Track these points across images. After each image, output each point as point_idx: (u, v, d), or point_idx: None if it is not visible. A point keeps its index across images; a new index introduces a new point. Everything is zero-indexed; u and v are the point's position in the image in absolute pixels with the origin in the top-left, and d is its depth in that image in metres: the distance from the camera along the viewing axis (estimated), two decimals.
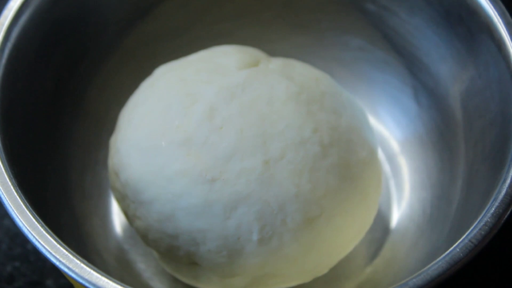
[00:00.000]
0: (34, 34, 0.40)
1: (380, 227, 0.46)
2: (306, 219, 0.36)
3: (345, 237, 0.39)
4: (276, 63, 0.41)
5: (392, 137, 0.49)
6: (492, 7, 0.39)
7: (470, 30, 0.40)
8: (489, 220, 0.33)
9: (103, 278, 0.31)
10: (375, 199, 0.41)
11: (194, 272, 0.40)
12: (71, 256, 0.32)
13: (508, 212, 0.33)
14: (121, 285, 0.31)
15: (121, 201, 0.40)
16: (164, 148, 0.37)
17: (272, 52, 0.44)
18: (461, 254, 0.32)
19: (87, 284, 0.31)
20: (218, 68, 0.40)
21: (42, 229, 0.33)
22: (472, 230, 0.33)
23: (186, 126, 0.37)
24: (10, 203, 0.33)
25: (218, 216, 0.36)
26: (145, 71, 0.43)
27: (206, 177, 0.36)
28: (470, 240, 0.32)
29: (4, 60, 0.38)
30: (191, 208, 0.36)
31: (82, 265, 0.31)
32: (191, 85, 0.39)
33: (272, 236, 0.36)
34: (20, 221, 0.33)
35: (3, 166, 0.35)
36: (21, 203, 0.33)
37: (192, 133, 0.37)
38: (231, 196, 0.36)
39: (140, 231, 0.39)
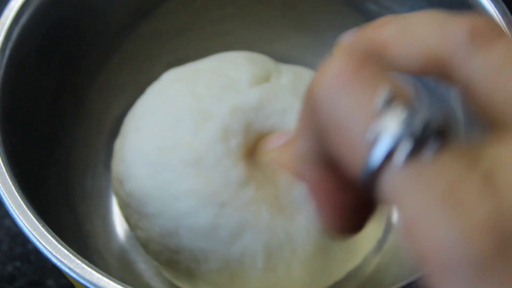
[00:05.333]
0: (35, 34, 0.40)
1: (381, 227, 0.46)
2: (318, 249, 0.36)
3: (357, 255, 0.39)
4: (287, 77, 0.40)
5: None
6: (493, 7, 0.39)
7: None
8: None
9: (104, 279, 0.31)
10: (383, 215, 0.40)
11: (193, 283, 0.39)
12: (72, 256, 0.32)
13: None
14: (122, 285, 0.31)
15: (124, 208, 0.39)
16: (173, 165, 0.36)
17: (272, 52, 0.44)
18: None
19: (88, 284, 0.31)
20: (230, 83, 0.38)
21: (43, 229, 0.32)
22: None
23: (198, 145, 0.36)
24: (11, 203, 0.33)
25: (223, 240, 0.35)
26: (145, 71, 0.43)
27: (216, 201, 0.35)
28: None
29: (5, 60, 0.38)
30: (196, 229, 0.35)
31: (83, 265, 0.31)
32: (202, 100, 0.37)
33: (279, 264, 0.35)
34: (21, 221, 0.33)
35: (4, 166, 0.34)
36: (22, 203, 0.33)
37: (204, 153, 0.36)
38: (239, 222, 0.35)
39: (141, 240, 0.39)
